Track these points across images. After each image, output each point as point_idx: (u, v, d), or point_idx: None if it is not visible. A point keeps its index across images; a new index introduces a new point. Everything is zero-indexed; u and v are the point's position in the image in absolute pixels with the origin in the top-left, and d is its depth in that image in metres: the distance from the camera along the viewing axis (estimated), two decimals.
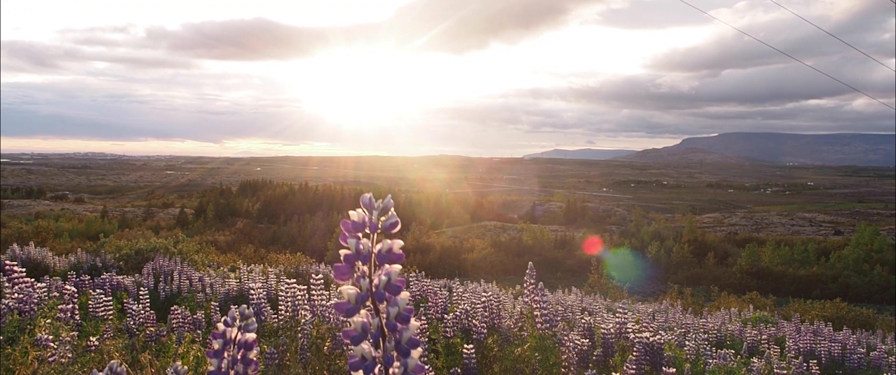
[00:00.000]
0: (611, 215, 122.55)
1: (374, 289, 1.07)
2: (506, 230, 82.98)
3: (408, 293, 1.09)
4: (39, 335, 4.09)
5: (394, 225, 1.09)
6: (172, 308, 6.37)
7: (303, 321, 5.05)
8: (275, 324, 5.44)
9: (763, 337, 11.35)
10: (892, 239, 76.97)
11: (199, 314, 6.79)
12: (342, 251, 1.05)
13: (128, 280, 10.76)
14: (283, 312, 5.33)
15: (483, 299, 5.90)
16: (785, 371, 5.24)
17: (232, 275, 11.74)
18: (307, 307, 5.35)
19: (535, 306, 5.27)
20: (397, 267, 1.09)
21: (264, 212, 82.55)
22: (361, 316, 1.06)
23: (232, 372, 1.37)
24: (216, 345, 1.37)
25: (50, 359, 3.98)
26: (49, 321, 4.55)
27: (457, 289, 11.52)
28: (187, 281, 11.04)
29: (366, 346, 1.06)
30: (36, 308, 4.57)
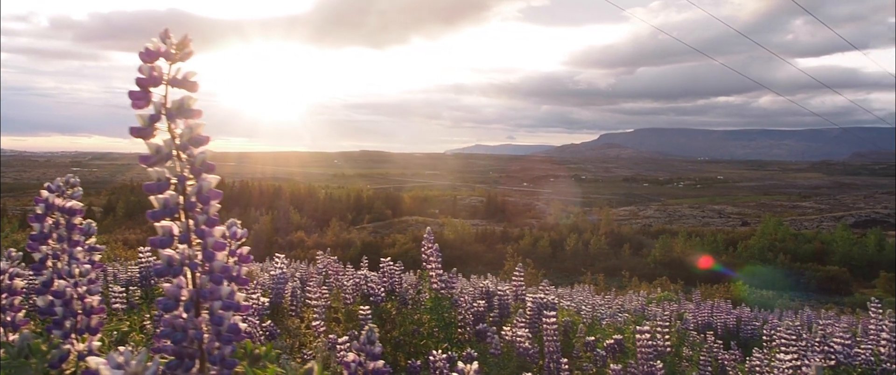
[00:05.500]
0: (531, 209, 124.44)
1: (164, 111, 1.10)
2: (427, 225, 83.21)
3: (204, 124, 1.14)
4: None
5: (188, 54, 1.13)
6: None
7: None
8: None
9: (665, 313, 11.77)
10: (794, 229, 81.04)
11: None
12: (137, 76, 1.09)
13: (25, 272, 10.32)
14: None
15: (381, 266, 5.95)
16: (669, 329, 5.48)
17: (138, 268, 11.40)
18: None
19: (430, 268, 5.34)
20: (193, 95, 1.13)
21: None
22: (156, 140, 1.10)
23: (54, 236, 1.38)
24: (39, 210, 1.38)
25: None
26: None
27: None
28: None
29: (159, 169, 1.10)
30: None
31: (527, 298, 5.87)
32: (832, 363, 3.91)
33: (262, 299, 4.88)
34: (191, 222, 1.13)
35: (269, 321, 4.49)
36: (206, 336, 1.13)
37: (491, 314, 5.80)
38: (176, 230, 1.13)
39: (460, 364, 2.08)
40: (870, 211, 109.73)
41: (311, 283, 5.52)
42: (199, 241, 1.14)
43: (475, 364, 2.09)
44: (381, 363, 1.57)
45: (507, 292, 6.00)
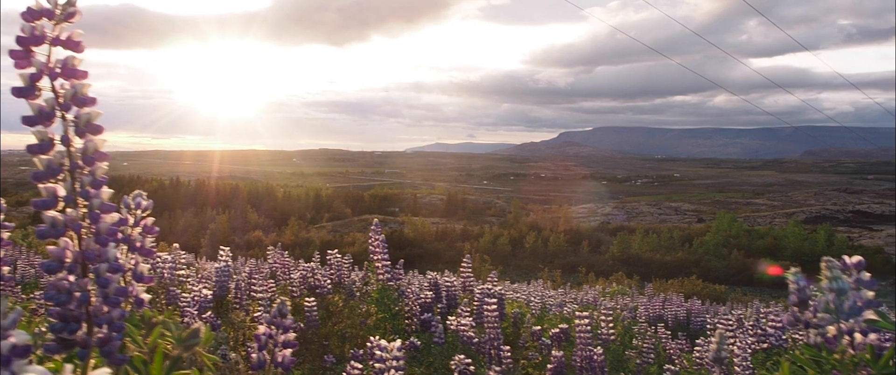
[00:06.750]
0: (491, 207, 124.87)
1: (47, 72, 1.09)
2: (387, 224, 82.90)
3: (90, 85, 1.12)
4: None
5: (73, 14, 1.11)
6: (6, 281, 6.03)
7: None
8: None
9: (618, 306, 11.93)
10: (748, 226, 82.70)
11: (38, 293, 6.49)
12: (18, 35, 1.07)
13: None
14: None
15: (328, 258, 5.94)
16: (613, 317, 5.56)
17: None
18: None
19: (376, 259, 5.34)
20: (78, 56, 1.12)
21: None
22: (39, 101, 1.09)
23: None
24: None
25: None
26: None
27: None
28: (32, 269, 10.44)
29: (42, 129, 1.09)
30: None
31: (474, 289, 5.90)
32: (765, 345, 4.01)
33: (204, 291, 4.83)
34: (76, 183, 1.12)
35: (210, 313, 4.44)
36: (94, 299, 1.12)
37: (439, 306, 5.81)
38: (61, 192, 1.11)
39: (383, 342, 2.10)
40: (820, 208, 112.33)
41: (256, 276, 5.47)
42: (85, 202, 1.13)
43: (397, 342, 2.10)
44: (292, 335, 1.57)
45: (456, 283, 6.03)
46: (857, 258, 1.40)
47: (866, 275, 1.38)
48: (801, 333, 1.46)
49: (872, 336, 1.31)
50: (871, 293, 1.35)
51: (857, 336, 1.32)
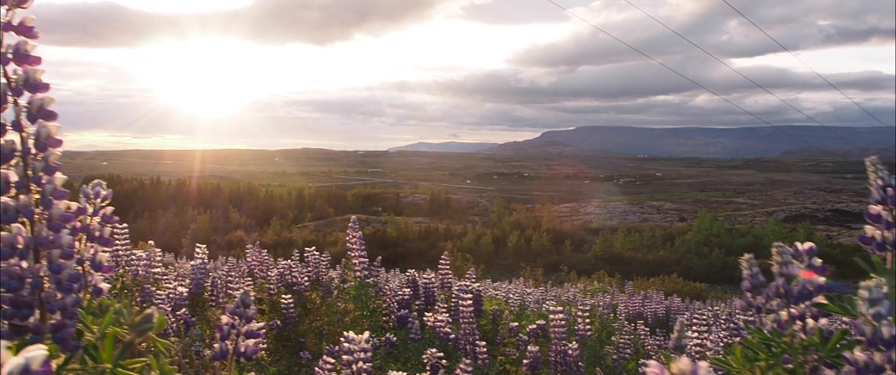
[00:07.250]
0: (474, 207, 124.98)
1: None
2: (370, 223, 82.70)
3: (43, 71, 1.12)
4: None
5: (25, 0, 1.11)
6: None
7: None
8: None
9: (599, 304, 12.01)
10: (728, 224, 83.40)
11: None
12: None
13: None
14: None
15: (305, 254, 5.93)
16: (589, 313, 5.60)
17: None
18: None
19: (354, 256, 5.34)
20: (31, 42, 1.12)
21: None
22: None
23: None
24: None
25: None
26: None
27: None
28: None
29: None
30: None
31: (453, 286, 5.92)
32: (737, 339, 4.05)
33: (180, 289, 4.81)
34: (29, 169, 1.12)
35: (184, 310, 4.42)
36: (47, 285, 1.12)
37: (416, 303, 5.82)
38: (13, 177, 1.11)
39: (352, 335, 2.10)
40: (799, 206, 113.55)
41: (233, 274, 5.45)
42: (38, 188, 1.13)
43: (366, 334, 2.11)
44: (255, 325, 1.57)
45: (434, 281, 6.04)
46: (808, 244, 1.43)
47: (818, 261, 1.41)
48: (753, 318, 1.49)
49: (823, 321, 1.34)
50: (822, 279, 1.38)
51: (809, 320, 1.35)
